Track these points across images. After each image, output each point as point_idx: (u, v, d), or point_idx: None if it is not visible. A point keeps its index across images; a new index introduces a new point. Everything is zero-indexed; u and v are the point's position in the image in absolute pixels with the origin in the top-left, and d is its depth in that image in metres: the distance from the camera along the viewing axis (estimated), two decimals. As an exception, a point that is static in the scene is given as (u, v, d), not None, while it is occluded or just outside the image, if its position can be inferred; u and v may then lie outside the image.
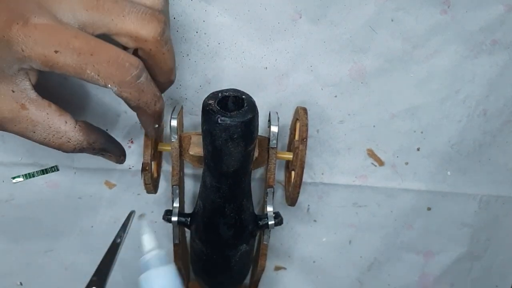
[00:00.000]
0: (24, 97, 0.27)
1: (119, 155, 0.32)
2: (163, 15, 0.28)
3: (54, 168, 0.41)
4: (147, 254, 0.29)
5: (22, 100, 0.27)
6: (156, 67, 0.29)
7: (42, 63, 0.26)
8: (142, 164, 0.35)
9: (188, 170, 0.42)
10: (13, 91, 0.27)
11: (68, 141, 0.29)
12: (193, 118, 0.40)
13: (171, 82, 0.31)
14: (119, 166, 0.41)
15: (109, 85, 0.26)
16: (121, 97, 0.27)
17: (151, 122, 0.30)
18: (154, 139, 0.35)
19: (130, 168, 0.41)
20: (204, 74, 0.38)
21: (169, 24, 0.31)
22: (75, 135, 0.29)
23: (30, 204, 0.42)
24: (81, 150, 0.30)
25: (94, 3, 0.26)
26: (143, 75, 0.27)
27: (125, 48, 0.28)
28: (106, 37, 0.27)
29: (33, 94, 0.28)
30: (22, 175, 0.41)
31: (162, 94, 0.32)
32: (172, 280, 0.28)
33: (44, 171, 0.40)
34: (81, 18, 0.26)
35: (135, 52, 0.29)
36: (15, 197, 0.41)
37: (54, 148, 0.29)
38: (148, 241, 0.30)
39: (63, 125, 0.28)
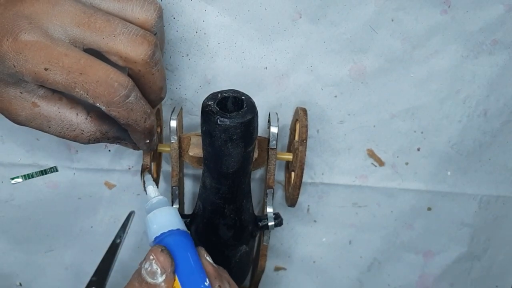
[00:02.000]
0: (33, 96, 0.28)
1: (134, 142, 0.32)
2: (153, 37, 0.28)
3: (53, 169, 0.41)
4: (152, 199, 0.32)
5: (32, 98, 0.28)
6: (146, 86, 0.29)
7: (33, 79, 0.26)
8: (142, 166, 0.34)
9: (188, 171, 0.42)
10: (21, 93, 0.27)
11: (82, 133, 0.29)
12: (193, 118, 0.40)
13: (161, 99, 0.32)
14: (118, 166, 0.41)
15: (98, 104, 0.26)
16: (110, 115, 0.27)
17: (142, 138, 0.30)
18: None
19: (129, 168, 0.41)
20: (204, 74, 0.38)
21: (163, 40, 0.31)
22: (87, 127, 0.29)
23: (30, 204, 0.42)
24: (96, 140, 0.30)
25: (85, 20, 0.26)
26: (132, 94, 0.27)
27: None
28: (98, 52, 0.27)
29: (41, 91, 0.28)
30: (22, 176, 0.40)
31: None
32: (174, 217, 0.31)
33: (43, 172, 0.40)
34: (72, 34, 0.26)
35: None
36: (14, 198, 0.41)
37: (71, 140, 0.30)
38: (152, 190, 0.33)
39: (75, 118, 0.29)
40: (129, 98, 0.27)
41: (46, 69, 0.25)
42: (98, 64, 0.26)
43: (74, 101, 0.29)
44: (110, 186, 0.42)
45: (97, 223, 0.44)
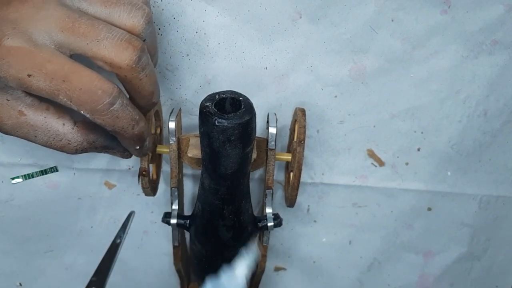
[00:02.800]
0: (20, 104, 0.27)
1: (123, 150, 0.32)
2: (139, 41, 0.27)
3: (54, 169, 0.41)
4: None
5: (19, 107, 0.27)
6: (134, 92, 0.29)
7: (17, 85, 0.25)
8: (140, 168, 0.34)
9: (187, 171, 0.42)
10: (7, 100, 0.27)
11: (69, 143, 0.29)
12: (193, 118, 0.40)
13: (153, 104, 0.31)
14: (118, 166, 0.41)
15: (82, 112, 0.26)
16: (96, 123, 0.27)
17: (131, 144, 0.30)
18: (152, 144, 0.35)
19: (129, 169, 0.41)
20: (204, 74, 0.38)
21: (155, 46, 0.30)
22: (74, 137, 0.29)
23: (30, 204, 0.42)
24: (84, 150, 0.30)
25: (69, 25, 0.26)
26: (117, 101, 0.26)
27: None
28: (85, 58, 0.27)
29: (28, 100, 0.27)
30: (22, 176, 0.40)
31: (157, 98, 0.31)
32: None
33: (43, 172, 0.40)
34: (57, 39, 0.26)
35: None
36: (14, 198, 0.41)
37: (58, 150, 0.29)
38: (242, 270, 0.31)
39: (61, 127, 0.28)
40: (114, 106, 0.26)
41: (29, 75, 0.25)
42: (83, 70, 0.26)
43: (61, 110, 0.28)
44: (110, 186, 0.42)
45: (97, 223, 0.44)
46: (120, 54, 0.26)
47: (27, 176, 0.41)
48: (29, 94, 0.27)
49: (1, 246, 0.44)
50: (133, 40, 0.27)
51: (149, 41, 0.29)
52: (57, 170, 0.41)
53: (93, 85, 0.25)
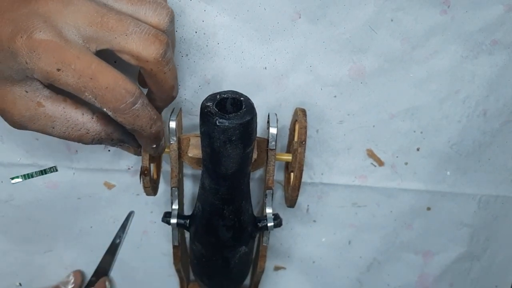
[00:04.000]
0: (38, 96, 0.28)
1: (137, 146, 0.33)
2: (165, 36, 0.28)
3: (53, 169, 0.41)
4: None
5: (37, 98, 0.28)
6: (158, 85, 0.30)
7: (44, 77, 0.26)
8: (141, 168, 0.34)
9: (187, 171, 0.42)
10: (26, 92, 0.28)
11: (87, 132, 0.29)
12: (193, 118, 0.40)
13: (172, 98, 0.32)
14: (117, 166, 0.41)
15: (105, 109, 0.27)
16: (116, 121, 0.28)
17: (148, 143, 0.31)
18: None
19: (129, 169, 0.41)
20: (203, 74, 0.38)
21: (174, 43, 0.32)
22: (93, 126, 0.29)
23: (30, 204, 0.42)
24: (100, 141, 0.30)
25: (98, 20, 0.27)
26: (138, 101, 0.27)
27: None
28: (110, 52, 0.27)
29: (46, 91, 0.28)
30: (21, 176, 0.40)
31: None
32: None
33: (43, 172, 0.40)
34: (85, 33, 0.27)
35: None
36: (14, 198, 0.41)
37: (74, 141, 0.30)
38: None
39: (81, 117, 0.29)
40: (136, 106, 0.27)
41: (58, 70, 0.26)
42: (109, 70, 0.26)
43: (79, 101, 0.29)
44: (109, 186, 0.42)
45: (97, 223, 0.44)
46: (148, 48, 0.27)
47: (27, 176, 0.41)
48: (47, 86, 0.28)
49: (1, 246, 0.44)
50: (159, 35, 0.28)
51: (171, 38, 0.30)
52: (56, 170, 0.41)
53: (118, 84, 0.26)
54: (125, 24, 0.27)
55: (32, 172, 0.40)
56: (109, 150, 0.40)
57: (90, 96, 0.26)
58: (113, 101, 0.26)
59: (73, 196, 0.42)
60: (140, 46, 0.27)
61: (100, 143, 0.30)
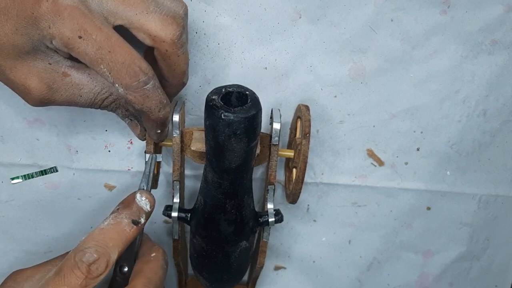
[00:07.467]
0: (62, 66, 0.28)
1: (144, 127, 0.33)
2: (182, 19, 0.29)
3: (53, 169, 0.40)
4: None
5: (62, 68, 0.28)
6: (170, 68, 0.30)
7: (63, 43, 0.26)
8: (145, 151, 0.35)
9: (187, 171, 0.42)
10: (50, 64, 0.28)
11: (110, 94, 0.30)
12: (193, 118, 0.40)
13: (183, 85, 0.32)
14: (117, 167, 0.41)
15: (116, 85, 0.27)
16: (126, 98, 0.28)
17: (153, 127, 0.31)
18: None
19: (129, 170, 0.41)
20: (203, 74, 0.38)
21: (186, 30, 0.32)
22: (116, 90, 0.29)
23: (30, 205, 0.42)
24: (120, 105, 0.31)
25: None
26: (150, 82, 0.28)
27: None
28: (123, 29, 0.28)
29: (68, 62, 0.28)
30: (21, 176, 0.40)
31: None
32: None
33: (43, 172, 0.40)
34: (107, 7, 0.27)
35: (150, 52, 0.30)
36: (14, 198, 0.41)
37: (98, 107, 0.30)
38: None
39: (105, 81, 0.29)
40: (147, 85, 0.28)
41: (80, 37, 0.26)
42: (126, 46, 0.27)
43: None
44: (109, 187, 0.42)
45: (97, 223, 0.43)
46: (166, 28, 0.28)
47: (27, 176, 0.41)
48: (67, 57, 0.28)
49: (1, 246, 0.44)
50: (177, 17, 0.28)
51: (185, 31, 0.30)
52: (56, 171, 0.41)
53: (134, 61, 0.27)
54: (147, 2, 0.27)
55: (32, 173, 0.40)
56: (109, 151, 0.40)
57: (104, 69, 0.27)
58: (127, 77, 0.27)
59: (73, 197, 0.42)
60: (158, 26, 0.28)
61: (118, 109, 0.31)
